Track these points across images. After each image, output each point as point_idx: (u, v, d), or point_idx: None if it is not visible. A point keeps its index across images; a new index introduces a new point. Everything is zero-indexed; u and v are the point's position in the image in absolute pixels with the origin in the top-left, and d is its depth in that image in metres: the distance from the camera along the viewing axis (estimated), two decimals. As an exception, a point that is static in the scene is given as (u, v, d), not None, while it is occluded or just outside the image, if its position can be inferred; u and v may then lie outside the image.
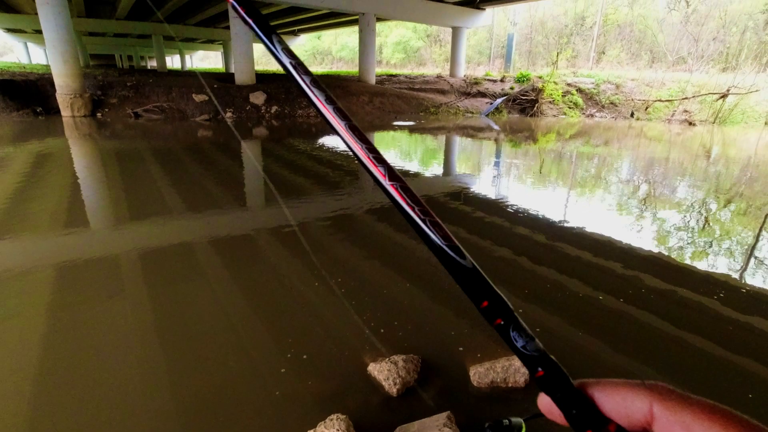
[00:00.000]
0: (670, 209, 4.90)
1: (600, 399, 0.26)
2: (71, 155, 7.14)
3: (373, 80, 17.05)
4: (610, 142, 10.34)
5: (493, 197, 5.32)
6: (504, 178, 6.55)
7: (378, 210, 4.59)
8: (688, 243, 3.92)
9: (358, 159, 0.33)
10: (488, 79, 18.07)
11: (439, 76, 18.93)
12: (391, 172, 0.33)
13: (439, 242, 0.31)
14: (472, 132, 11.53)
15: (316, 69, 39.35)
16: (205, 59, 66.28)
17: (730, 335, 2.41)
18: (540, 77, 16.87)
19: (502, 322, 0.29)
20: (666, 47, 22.30)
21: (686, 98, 14.58)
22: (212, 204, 4.70)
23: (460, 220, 4.37)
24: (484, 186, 6.01)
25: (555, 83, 16.00)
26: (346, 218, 4.31)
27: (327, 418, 1.63)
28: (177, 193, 5.01)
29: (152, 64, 52.82)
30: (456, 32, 19.34)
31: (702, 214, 4.80)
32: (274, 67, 44.49)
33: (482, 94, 16.72)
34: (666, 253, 3.61)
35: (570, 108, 15.55)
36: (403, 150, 8.74)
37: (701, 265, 3.43)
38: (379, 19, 19.66)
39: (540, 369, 0.28)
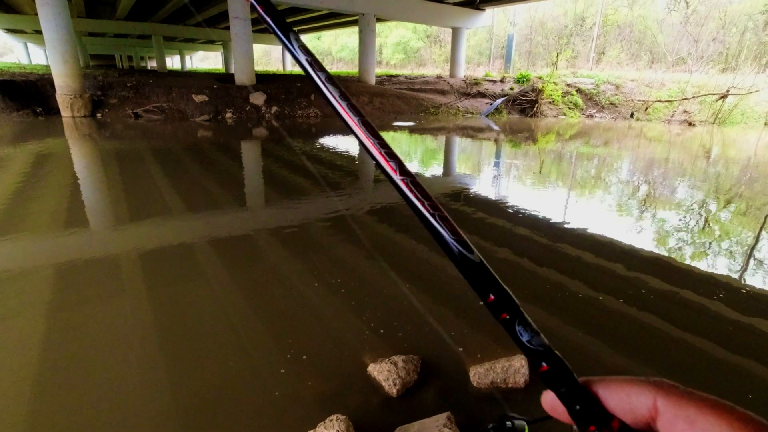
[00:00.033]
0: (671, 210, 4.90)
1: (604, 395, 0.26)
2: (71, 155, 7.14)
3: (373, 81, 17.06)
4: (609, 142, 10.35)
5: (493, 198, 5.32)
6: (504, 178, 6.55)
7: (378, 210, 4.59)
8: (688, 243, 3.92)
9: (370, 154, 0.34)
10: (488, 80, 18.09)
11: (438, 77, 18.94)
12: (402, 167, 0.33)
13: (447, 236, 0.31)
14: (472, 132, 11.53)
15: (316, 69, 39.27)
16: (205, 60, 66.31)
17: (730, 335, 2.41)
18: (540, 78, 16.88)
19: (508, 317, 0.29)
20: (666, 48, 22.31)
21: (686, 99, 14.59)
22: (212, 204, 4.70)
23: (461, 220, 4.37)
24: (484, 186, 6.01)
25: (555, 84, 16.00)
26: (346, 218, 4.31)
27: (327, 419, 1.63)
28: (177, 193, 5.01)
29: (152, 64, 52.84)
30: (456, 33, 19.35)
31: (702, 215, 4.80)
32: (273, 67, 44.56)
33: (482, 95, 16.73)
34: (666, 254, 3.61)
35: (570, 108, 15.56)
36: (404, 150, 8.74)
37: (701, 265, 3.43)
38: (379, 20, 19.67)
39: (544, 364, 0.28)
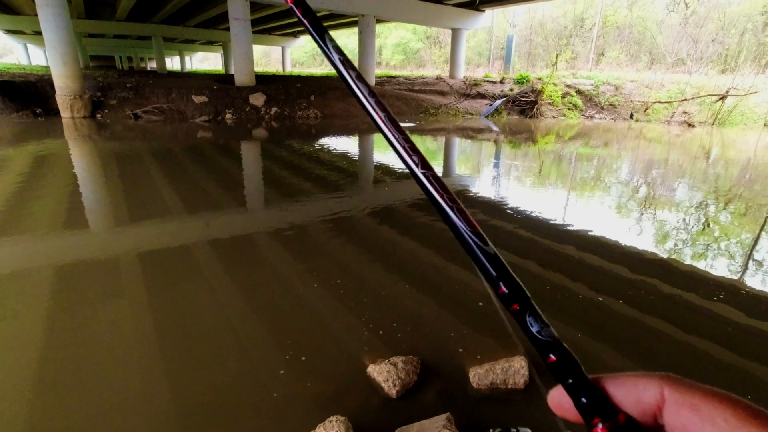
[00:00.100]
0: (671, 211, 4.90)
1: (611, 389, 0.26)
2: (71, 156, 7.14)
3: (372, 81, 17.06)
4: (609, 143, 10.35)
5: (493, 198, 5.32)
6: (504, 179, 6.56)
7: (378, 211, 4.59)
8: (689, 245, 3.92)
9: (394, 148, 0.35)
10: (488, 81, 18.09)
11: (438, 78, 18.95)
12: (424, 162, 0.35)
13: (464, 228, 0.32)
14: (471, 133, 11.54)
15: (316, 70, 39.37)
16: (205, 60, 66.33)
17: (730, 336, 2.41)
18: (539, 79, 16.89)
19: (519, 308, 0.29)
20: (665, 49, 22.33)
21: (685, 100, 14.60)
22: (212, 205, 4.70)
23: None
24: (484, 187, 6.01)
25: (554, 85, 16.02)
26: (346, 219, 4.30)
27: (326, 420, 1.62)
28: (176, 194, 5.01)
29: (152, 65, 52.84)
30: (455, 34, 19.37)
31: (703, 216, 4.80)
32: (273, 68, 44.55)
33: (482, 96, 16.74)
34: (666, 255, 3.61)
35: (569, 109, 15.57)
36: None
37: (702, 266, 3.43)
38: (378, 21, 19.69)
39: (552, 355, 0.28)
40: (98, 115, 11.74)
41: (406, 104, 15.27)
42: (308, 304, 2.67)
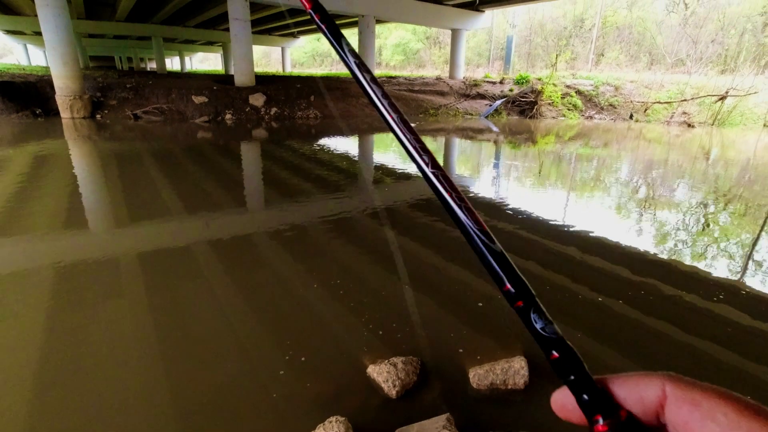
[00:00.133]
0: (671, 211, 4.90)
1: (614, 388, 0.27)
2: (70, 157, 7.13)
3: (372, 82, 17.03)
4: (609, 144, 10.36)
5: (493, 199, 5.32)
6: (504, 179, 6.56)
7: (377, 212, 4.59)
8: (689, 245, 3.92)
9: (406, 148, 0.37)
10: (487, 81, 18.10)
11: (438, 78, 18.96)
12: (434, 161, 0.36)
13: (471, 226, 0.33)
14: (471, 134, 11.54)
15: (315, 71, 39.38)
16: (205, 61, 66.33)
17: (729, 336, 2.41)
18: (539, 79, 16.90)
19: (523, 305, 0.30)
20: (665, 49, 22.35)
21: (685, 100, 14.61)
22: (212, 205, 4.70)
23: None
24: (484, 187, 6.01)
25: (554, 85, 16.02)
26: (346, 220, 4.30)
27: (326, 420, 1.62)
28: (176, 194, 5.01)
29: (152, 65, 52.85)
30: (455, 34, 19.38)
31: (705, 217, 4.81)
32: (273, 68, 44.55)
33: (481, 96, 16.74)
34: (666, 255, 3.62)
35: (569, 110, 15.57)
36: (403, 151, 8.73)
37: (704, 267, 3.43)
38: (378, 21, 19.71)
39: (556, 352, 0.28)
40: (98, 116, 11.74)
41: (406, 105, 15.28)
42: (308, 304, 2.67)
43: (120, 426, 1.70)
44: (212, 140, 9.47)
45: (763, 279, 3.24)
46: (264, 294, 2.79)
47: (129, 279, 2.95)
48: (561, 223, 4.36)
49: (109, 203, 4.74)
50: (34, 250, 3.39)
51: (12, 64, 28.12)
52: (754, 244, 3.96)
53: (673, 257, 3.58)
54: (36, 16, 10.96)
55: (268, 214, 4.55)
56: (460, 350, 2.20)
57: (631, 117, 14.97)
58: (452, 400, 1.87)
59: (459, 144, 10.04)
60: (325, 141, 9.72)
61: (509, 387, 1.92)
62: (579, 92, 16.04)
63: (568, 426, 0.30)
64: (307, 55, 48.11)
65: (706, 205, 5.21)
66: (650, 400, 0.25)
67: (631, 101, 15.42)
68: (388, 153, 8.86)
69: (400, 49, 38.31)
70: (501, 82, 17.80)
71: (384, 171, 6.89)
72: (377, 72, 21.08)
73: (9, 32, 29.20)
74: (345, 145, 9.58)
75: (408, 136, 0.37)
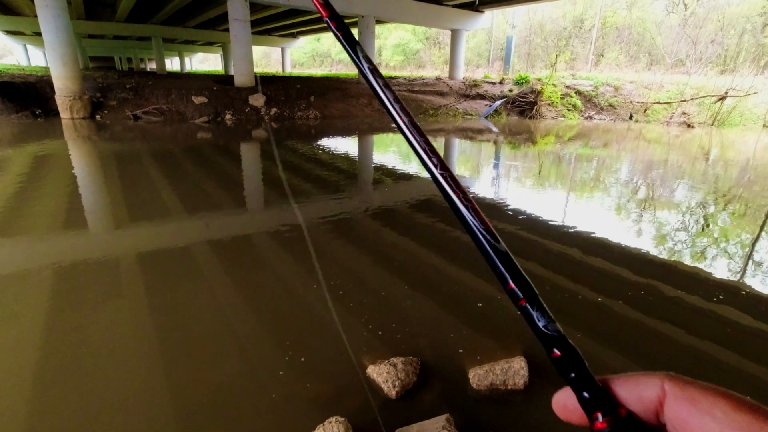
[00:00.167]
0: (670, 211, 4.91)
1: (615, 387, 0.27)
2: (70, 157, 7.13)
3: (372, 82, 17.05)
4: (609, 144, 10.36)
5: (493, 199, 5.32)
6: (503, 180, 6.56)
7: (377, 212, 4.59)
8: (689, 245, 3.93)
9: (415, 150, 0.38)
10: (487, 82, 18.10)
11: (438, 79, 18.96)
12: (442, 163, 0.37)
13: (477, 226, 0.34)
14: (471, 134, 11.54)
15: (315, 71, 39.39)
16: (205, 61, 66.34)
17: (729, 336, 2.41)
18: (539, 79, 16.90)
19: (526, 303, 0.31)
20: (664, 50, 22.36)
21: (685, 100, 14.61)
22: (211, 206, 4.70)
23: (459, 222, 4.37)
24: (483, 188, 6.01)
25: (554, 85, 16.03)
26: (345, 220, 4.30)
27: (326, 421, 1.62)
28: (176, 195, 5.01)
29: (151, 66, 52.86)
30: (455, 35, 19.38)
31: (704, 218, 4.81)
32: (273, 69, 44.54)
33: (481, 97, 16.75)
34: (666, 256, 3.62)
35: (569, 110, 15.58)
36: (402, 152, 8.74)
37: (705, 267, 3.43)
38: (378, 22, 19.72)
39: (557, 350, 0.29)
40: (98, 116, 11.73)
41: (406, 105, 15.16)
42: (307, 304, 2.66)
43: (120, 426, 1.70)
44: (212, 141, 9.47)
45: (763, 279, 3.24)
46: (264, 294, 2.79)
47: (129, 279, 2.95)
48: (561, 223, 4.36)
49: (109, 204, 4.74)
50: (34, 251, 3.39)
51: (12, 64, 28.11)
52: (754, 244, 3.96)
53: (673, 258, 3.59)
54: (36, 16, 10.96)
55: (268, 214, 4.55)
56: (460, 350, 2.20)
57: (630, 117, 14.98)
58: (452, 401, 1.87)
59: (459, 144, 10.05)
60: (325, 141, 9.72)
61: (509, 387, 1.92)
62: (579, 93, 16.05)
63: (568, 427, 0.30)
64: (307, 55, 48.12)
65: (706, 206, 5.21)
66: (650, 398, 0.25)
67: (631, 102, 15.43)
68: (388, 153, 8.87)
69: (399, 49, 38.32)
70: (501, 83, 17.80)
71: (383, 171, 6.89)
72: (377, 72, 21.04)
73: (9, 33, 29.20)
74: (345, 145, 9.58)
75: (418, 139, 0.38)
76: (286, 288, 2.88)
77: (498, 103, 15.84)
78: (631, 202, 5.30)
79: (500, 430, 1.74)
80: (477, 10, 18.99)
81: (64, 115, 11.38)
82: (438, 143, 9.99)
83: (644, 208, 5.06)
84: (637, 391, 0.26)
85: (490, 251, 0.33)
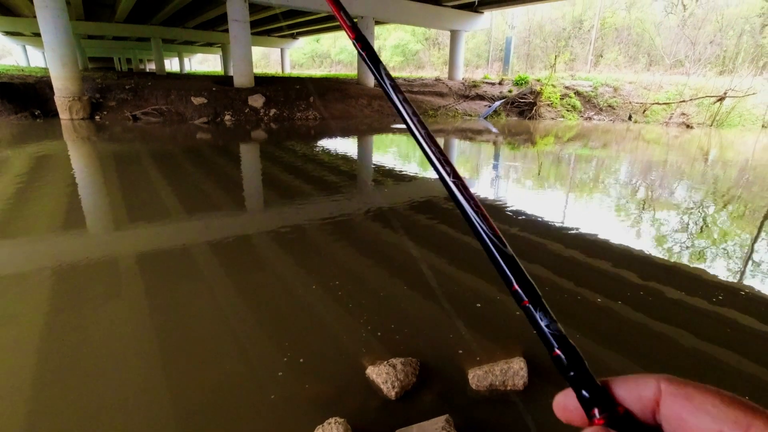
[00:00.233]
0: (669, 212, 4.91)
1: (614, 388, 0.28)
2: (69, 158, 7.13)
3: (371, 83, 17.08)
4: (608, 145, 10.37)
5: (492, 200, 5.32)
6: (503, 180, 6.56)
7: (376, 213, 4.59)
8: (689, 246, 3.93)
9: (430, 159, 0.40)
10: (486, 82, 18.12)
11: (437, 79, 18.98)
12: (455, 172, 0.39)
13: (486, 231, 0.36)
14: (470, 135, 11.55)
15: (315, 71, 39.43)
16: (204, 62, 66.33)
17: (729, 337, 2.41)
18: (538, 80, 16.92)
19: (529, 304, 0.32)
20: (663, 50, 22.40)
21: (684, 101, 14.63)
22: (211, 207, 4.70)
23: (459, 222, 4.37)
24: (483, 188, 6.01)
25: (553, 86, 16.05)
26: (345, 221, 4.30)
27: (325, 422, 1.62)
28: (175, 196, 5.00)
29: (151, 67, 52.84)
30: (454, 35, 19.40)
31: (704, 218, 4.81)
32: (272, 69, 44.56)
33: (481, 97, 16.76)
34: (668, 256, 3.62)
35: (568, 111, 15.59)
36: (402, 152, 8.75)
37: (705, 268, 3.43)
38: (377, 23, 19.73)
39: (558, 349, 0.30)
40: (97, 117, 11.73)
41: (405, 106, 15.27)
42: (306, 305, 2.66)
43: (120, 426, 1.70)
44: (211, 141, 9.47)
45: (762, 279, 3.24)
46: (263, 295, 2.79)
47: (128, 280, 2.95)
48: (560, 224, 4.36)
49: (108, 204, 4.73)
50: (34, 251, 3.39)
51: (11, 65, 28.09)
52: (753, 244, 3.96)
53: (672, 258, 3.59)
54: (35, 17, 10.96)
55: (267, 215, 4.55)
56: (459, 351, 2.20)
57: (629, 118, 15.00)
58: (451, 402, 1.87)
59: (458, 145, 10.05)
60: (324, 142, 9.72)
61: (508, 388, 1.92)
62: (578, 93, 16.07)
63: (568, 428, 0.30)
64: (306, 56, 48.13)
65: (705, 207, 5.22)
66: (647, 397, 0.27)
67: (630, 102, 15.45)
68: (387, 154, 8.87)
69: (399, 50, 38.35)
70: (500, 83, 17.82)
71: (383, 172, 6.89)
72: (376, 73, 21.06)
73: (8, 33, 29.18)
74: (344, 146, 9.58)
75: (433, 149, 0.40)
76: (286, 288, 2.88)
77: (497, 103, 15.86)
78: (630, 203, 5.30)
79: (500, 431, 1.74)
80: (476, 11, 19.01)
81: (64, 115, 11.37)
82: (438, 143, 9.98)
83: (643, 208, 5.06)
84: (635, 391, 0.27)
85: (497, 255, 0.34)
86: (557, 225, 4.32)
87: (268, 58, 52.40)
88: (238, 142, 9.52)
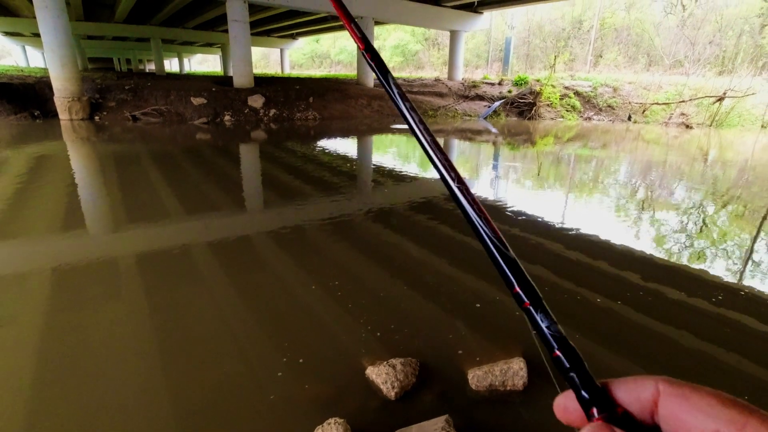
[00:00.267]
0: (670, 211, 4.91)
1: (613, 388, 0.29)
2: (69, 158, 7.13)
3: (371, 83, 17.09)
4: (608, 145, 10.38)
5: (491, 200, 5.32)
6: (502, 180, 6.57)
7: (376, 213, 4.59)
8: (689, 246, 3.93)
9: (435, 165, 0.42)
10: (486, 83, 18.13)
11: (437, 80, 18.98)
12: (459, 178, 0.41)
13: (488, 234, 0.36)
14: (470, 135, 11.56)
15: (314, 72, 39.43)
16: (204, 62, 66.33)
17: (728, 336, 2.41)
18: (538, 80, 16.93)
19: (530, 305, 0.33)
20: (663, 51, 22.42)
21: (683, 101, 14.64)
22: (211, 207, 4.70)
23: (459, 222, 4.37)
24: (483, 189, 6.01)
25: (553, 86, 16.06)
26: (344, 221, 4.30)
27: (324, 422, 1.62)
28: (175, 196, 5.00)
29: (150, 67, 52.84)
30: (454, 36, 19.41)
31: (704, 218, 4.81)
32: (272, 70, 44.57)
33: (480, 98, 16.77)
34: (668, 256, 3.62)
35: (567, 111, 15.61)
36: (401, 152, 8.75)
37: (705, 268, 3.44)
38: (377, 23, 19.73)
39: (558, 350, 0.31)
40: (96, 117, 11.73)
41: (405, 106, 15.27)
42: (306, 305, 2.66)
43: (120, 426, 1.70)
44: (211, 142, 9.46)
45: (762, 279, 3.24)
46: (262, 295, 2.79)
47: (128, 280, 2.95)
48: (560, 224, 4.37)
49: (108, 205, 4.73)
50: (33, 252, 3.38)
51: (10, 65, 28.07)
52: (753, 244, 3.96)
53: (672, 258, 3.59)
54: (35, 17, 10.95)
55: (267, 215, 4.55)
56: (459, 351, 2.20)
57: (629, 118, 15.01)
58: (451, 402, 1.87)
59: (458, 145, 10.05)
60: (324, 142, 9.72)
61: (508, 388, 1.92)
62: (577, 93, 16.08)
63: (569, 429, 0.30)
64: (306, 56, 48.14)
65: (705, 207, 5.22)
66: (646, 398, 0.27)
67: (630, 102, 15.46)
68: (387, 154, 8.88)
69: (399, 50, 38.36)
70: (500, 84, 17.84)
71: (383, 172, 6.89)
72: (376, 73, 21.09)
73: (7, 34, 29.18)
74: (344, 146, 9.58)
75: (439, 156, 0.42)
76: (285, 289, 2.88)
77: (497, 104, 15.86)
78: (630, 203, 5.30)
79: (499, 431, 1.74)
80: (476, 11, 19.03)
81: (63, 116, 11.37)
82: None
83: (643, 209, 5.07)
84: (634, 392, 0.28)
85: (499, 258, 0.35)
86: (557, 225, 4.32)
87: (267, 59, 52.41)
88: (237, 143, 9.52)
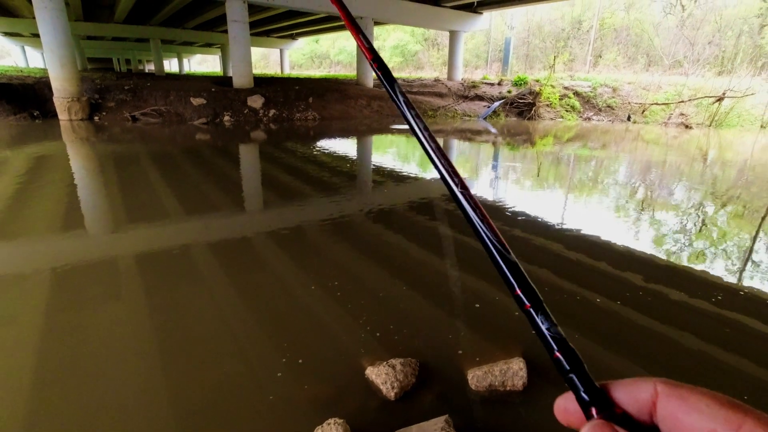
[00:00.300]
0: (668, 212, 4.92)
1: (612, 389, 0.29)
2: (68, 159, 7.12)
3: (371, 84, 17.10)
4: (608, 145, 10.38)
5: (492, 200, 5.33)
6: (502, 180, 6.57)
7: (375, 214, 4.59)
8: (689, 247, 3.93)
9: (439, 171, 0.43)
10: (486, 83, 18.14)
11: (437, 80, 18.99)
12: (462, 183, 0.41)
13: (490, 238, 0.37)
14: (470, 135, 11.56)
15: (314, 72, 39.44)
16: (203, 63, 66.31)
17: (728, 336, 2.41)
18: (537, 81, 16.94)
19: (531, 308, 0.33)
20: (662, 51, 22.44)
21: (682, 101, 14.66)
22: (210, 207, 4.70)
23: (459, 222, 4.38)
24: (482, 189, 6.01)
25: (552, 87, 16.06)
26: (344, 221, 4.30)
27: (324, 423, 1.62)
28: (175, 196, 5.00)
29: (150, 67, 52.83)
30: (453, 36, 19.42)
31: (703, 218, 4.82)
32: (272, 70, 44.58)
33: (480, 98, 16.78)
34: (667, 257, 3.62)
35: (567, 111, 15.61)
36: (401, 153, 8.75)
37: (705, 268, 3.44)
38: (376, 23, 19.73)
39: (558, 351, 0.31)
40: (96, 118, 11.72)
41: (405, 106, 15.27)
42: (305, 305, 2.66)
43: (119, 426, 1.70)
44: (210, 142, 9.46)
45: (762, 280, 3.24)
46: (262, 295, 2.79)
47: (128, 280, 2.95)
48: (559, 224, 4.37)
49: (108, 205, 4.73)
50: (33, 252, 3.38)
51: (10, 66, 28.06)
52: (753, 244, 3.97)
53: (672, 259, 3.59)
54: (34, 18, 10.95)
55: (266, 216, 4.55)
56: (459, 351, 2.20)
57: (629, 118, 15.02)
58: (451, 402, 1.87)
59: (457, 145, 10.06)
60: (323, 143, 9.72)
61: (508, 388, 1.92)
62: (577, 94, 16.09)
63: (568, 430, 0.31)
64: (306, 56, 48.14)
65: (704, 207, 5.22)
66: (644, 399, 0.28)
67: (629, 102, 15.47)
68: (387, 155, 8.87)
69: (398, 50, 38.38)
70: (499, 84, 17.85)
71: (383, 173, 6.90)
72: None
73: (7, 34, 29.17)
74: (344, 146, 9.58)
75: (443, 162, 0.43)
76: (285, 289, 2.88)
77: (496, 104, 15.87)
78: (629, 204, 5.31)
79: (499, 431, 1.74)
80: (475, 12, 19.04)
81: (63, 116, 11.37)
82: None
83: (643, 209, 5.07)
84: (632, 393, 0.28)
85: (501, 262, 0.36)
86: (556, 226, 4.33)
87: (267, 59, 52.40)
88: (237, 143, 9.52)
